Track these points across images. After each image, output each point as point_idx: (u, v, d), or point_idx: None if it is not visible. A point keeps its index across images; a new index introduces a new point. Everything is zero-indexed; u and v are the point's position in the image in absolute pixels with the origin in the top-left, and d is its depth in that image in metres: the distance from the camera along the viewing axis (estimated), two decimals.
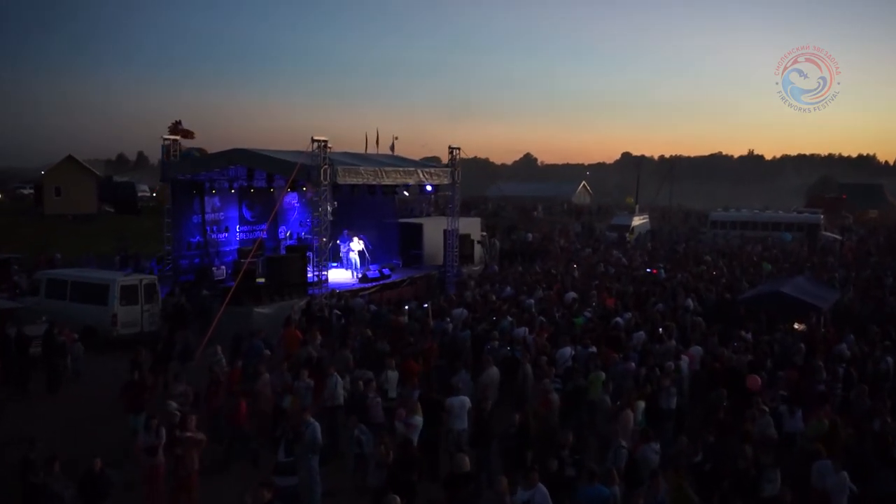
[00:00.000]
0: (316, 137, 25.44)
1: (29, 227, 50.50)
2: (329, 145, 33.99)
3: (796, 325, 21.79)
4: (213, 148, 30.08)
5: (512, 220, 66.80)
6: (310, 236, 27.03)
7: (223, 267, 29.14)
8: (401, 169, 29.95)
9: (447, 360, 18.73)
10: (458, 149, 32.82)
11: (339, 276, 30.58)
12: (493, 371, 16.24)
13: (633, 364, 17.10)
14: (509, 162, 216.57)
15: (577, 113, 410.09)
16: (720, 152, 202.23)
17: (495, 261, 39.46)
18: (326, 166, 25.51)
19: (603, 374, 16.13)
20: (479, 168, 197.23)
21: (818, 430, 13.57)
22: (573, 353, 17.85)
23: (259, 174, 28.10)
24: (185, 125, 29.91)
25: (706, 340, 19.30)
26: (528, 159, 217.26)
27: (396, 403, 14.30)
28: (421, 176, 30.86)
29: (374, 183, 28.55)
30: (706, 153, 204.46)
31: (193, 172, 28.52)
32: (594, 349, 18.16)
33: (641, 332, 19.95)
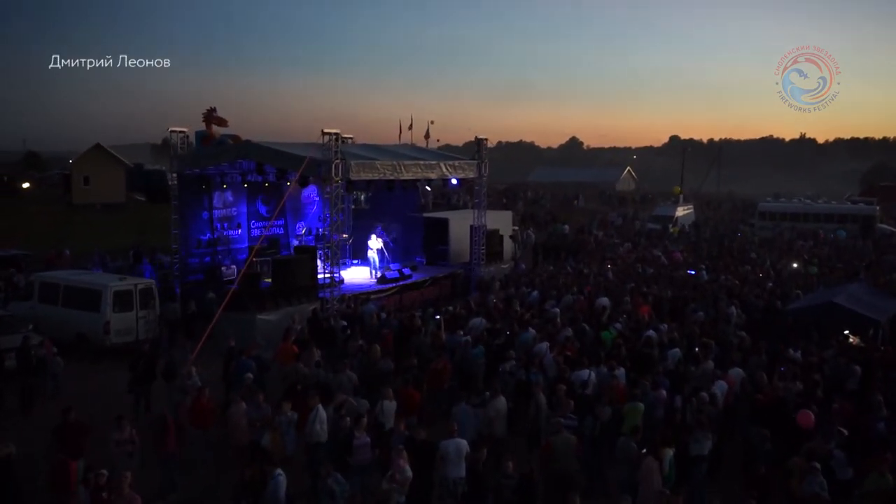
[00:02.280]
0: (326, 130, 23.56)
1: (53, 218, 49.73)
2: (351, 137, 32.39)
3: (851, 339, 19.59)
4: (252, 133, 28.52)
5: (550, 210, 64.43)
6: (327, 233, 25.14)
7: (233, 266, 27.52)
8: (422, 162, 27.94)
9: (459, 381, 16.83)
10: (486, 139, 30.78)
11: (358, 275, 28.93)
12: (500, 402, 14.12)
13: (664, 392, 15.05)
14: (555, 145, 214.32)
15: (624, 95, 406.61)
16: (771, 135, 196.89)
17: (528, 256, 37.41)
18: (338, 161, 23.65)
19: (641, 406, 14.11)
20: (524, 152, 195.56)
21: (879, 487, 11.40)
22: (591, 376, 15.77)
23: (270, 168, 26.31)
24: (226, 111, 28.47)
25: (748, 360, 17.15)
26: (573, 143, 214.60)
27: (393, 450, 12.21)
28: (444, 169, 28.86)
29: (391, 178, 26.65)
30: (756, 136, 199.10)
31: (202, 166, 26.91)
32: (622, 371, 16.14)
33: (676, 350, 17.79)
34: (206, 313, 22.24)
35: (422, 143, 51.03)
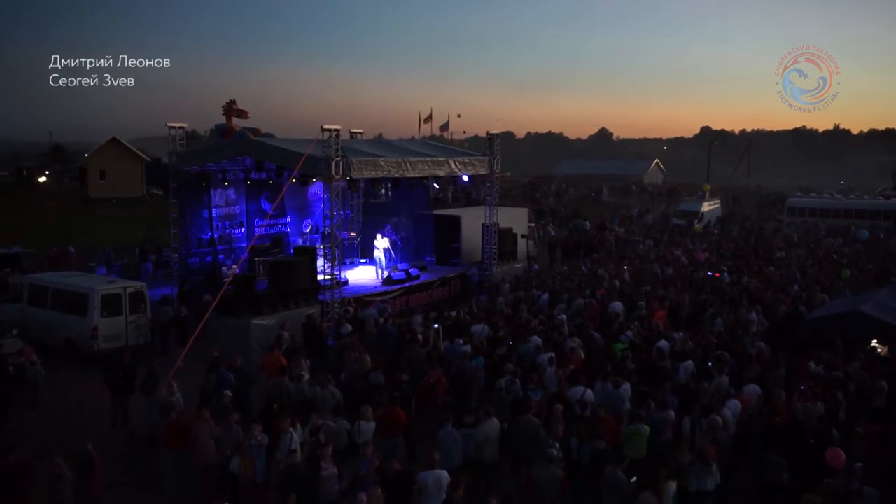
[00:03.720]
0: (326, 126, 22.53)
1: (67, 212, 49.32)
2: (361, 132, 31.40)
3: (879, 349, 18.25)
4: (272, 126, 27.69)
5: (573, 205, 63.01)
6: (336, 231, 24.05)
7: (235, 266, 26.59)
8: (429, 159, 26.78)
9: (456, 395, 15.63)
10: (498, 134, 29.63)
11: (364, 275, 27.95)
12: (491, 426, 12.87)
13: (672, 412, 13.85)
14: (584, 136, 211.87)
15: (655, 86, 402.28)
16: (804, 126, 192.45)
17: (544, 254, 36.20)
18: (338, 158, 22.60)
19: (646, 429, 12.96)
20: (553, 143, 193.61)
21: None
22: (588, 394, 14.53)
23: (270, 165, 25.37)
24: (244, 103, 27.57)
25: (767, 375, 15.87)
26: (602, 134, 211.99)
27: (358, 484, 11.16)
28: (453, 166, 27.69)
29: (396, 176, 25.57)
30: (789, 127, 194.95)
31: (201, 163, 26.05)
32: (627, 387, 14.98)
33: (689, 363, 16.50)
34: (202, 317, 21.35)
35: (444, 135, 49.76)
